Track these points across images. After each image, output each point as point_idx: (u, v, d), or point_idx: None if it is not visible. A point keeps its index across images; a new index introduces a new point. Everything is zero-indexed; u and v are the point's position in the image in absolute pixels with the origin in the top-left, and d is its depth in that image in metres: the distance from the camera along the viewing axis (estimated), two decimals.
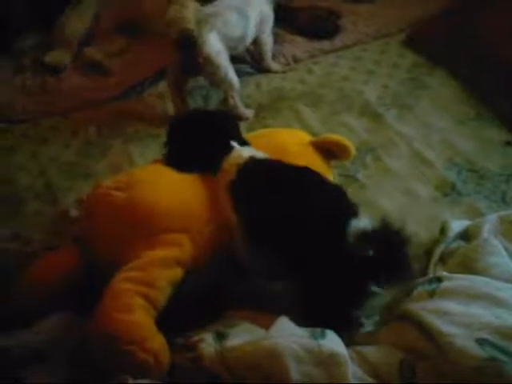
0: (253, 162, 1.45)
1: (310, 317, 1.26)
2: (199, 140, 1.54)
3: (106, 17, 2.60)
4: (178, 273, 1.33)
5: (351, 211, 1.33)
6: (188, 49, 1.98)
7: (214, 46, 2.04)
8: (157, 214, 1.38)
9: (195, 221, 1.40)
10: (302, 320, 1.25)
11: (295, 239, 1.31)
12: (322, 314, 1.26)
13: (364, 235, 1.26)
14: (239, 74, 2.23)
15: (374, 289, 1.34)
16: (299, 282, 1.31)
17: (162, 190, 1.44)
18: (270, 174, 1.42)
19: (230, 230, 1.40)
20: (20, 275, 1.45)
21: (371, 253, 1.24)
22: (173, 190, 1.45)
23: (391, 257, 1.26)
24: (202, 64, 2.03)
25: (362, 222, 1.28)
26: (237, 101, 2.14)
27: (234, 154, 1.48)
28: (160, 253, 1.33)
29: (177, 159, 1.55)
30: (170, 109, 2.22)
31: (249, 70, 2.44)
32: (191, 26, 1.94)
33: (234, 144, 1.52)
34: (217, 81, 2.11)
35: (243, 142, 1.57)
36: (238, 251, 1.41)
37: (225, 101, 2.17)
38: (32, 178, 1.97)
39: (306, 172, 1.44)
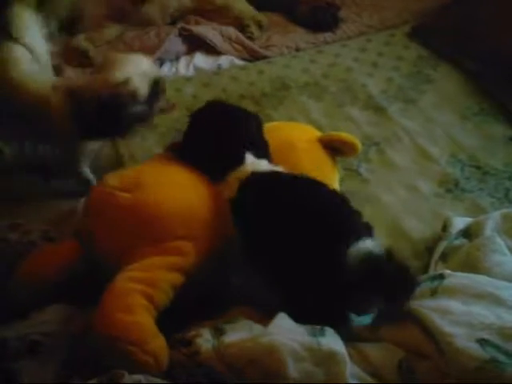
0: (254, 178, 1.39)
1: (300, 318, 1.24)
2: (212, 148, 1.48)
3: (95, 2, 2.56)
4: (180, 279, 1.32)
5: (351, 228, 1.27)
6: None
7: None
8: (161, 218, 1.36)
9: (200, 226, 1.38)
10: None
11: (291, 258, 1.28)
12: (311, 315, 1.24)
13: (364, 260, 1.21)
14: None
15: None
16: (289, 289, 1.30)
17: (168, 194, 1.41)
18: (269, 193, 1.37)
19: (231, 239, 1.38)
20: (18, 266, 1.44)
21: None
22: (179, 194, 1.42)
23: (387, 289, 1.22)
24: None
25: (366, 244, 1.23)
26: None
27: (240, 168, 1.42)
28: (164, 259, 1.32)
29: (188, 158, 1.50)
30: None
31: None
32: None
33: (247, 156, 1.44)
34: None
35: (263, 143, 1.52)
36: (237, 262, 1.40)
37: None
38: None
39: (306, 187, 1.37)
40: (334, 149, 1.65)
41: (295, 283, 1.27)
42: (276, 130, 1.71)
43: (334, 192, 1.41)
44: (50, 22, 2.35)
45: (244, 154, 1.44)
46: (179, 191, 1.42)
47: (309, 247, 1.26)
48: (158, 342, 1.21)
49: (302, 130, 1.74)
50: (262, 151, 1.48)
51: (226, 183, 1.41)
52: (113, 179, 1.44)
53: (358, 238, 1.23)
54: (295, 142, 1.61)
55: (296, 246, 1.28)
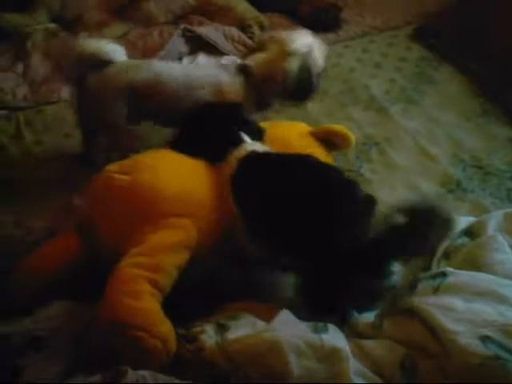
0: (253, 156, 1.44)
1: (306, 303, 1.26)
2: (210, 131, 1.53)
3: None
4: (184, 257, 1.33)
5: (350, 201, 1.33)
6: None
7: None
8: (161, 197, 1.38)
9: (200, 207, 1.40)
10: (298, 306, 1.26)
11: (291, 232, 1.31)
12: (318, 302, 1.27)
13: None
14: None
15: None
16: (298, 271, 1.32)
17: (167, 175, 1.43)
18: (268, 169, 1.42)
19: (233, 219, 1.40)
20: (21, 263, 1.44)
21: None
22: (178, 175, 1.44)
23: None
24: None
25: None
26: None
27: (239, 148, 1.47)
28: (166, 237, 1.33)
29: (187, 148, 1.53)
30: None
31: None
32: None
33: (244, 137, 1.51)
34: None
35: (256, 132, 1.57)
36: (240, 240, 1.41)
37: None
38: (36, 165, 1.96)
39: (303, 163, 1.42)
40: (328, 143, 1.67)
41: (295, 257, 1.30)
42: (269, 129, 1.73)
43: (335, 168, 1.47)
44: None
45: (240, 134, 1.50)
46: (176, 172, 1.45)
47: (306, 220, 1.29)
48: (165, 327, 1.22)
49: (293, 126, 1.77)
50: (257, 135, 1.55)
51: (227, 162, 1.45)
52: (112, 166, 1.47)
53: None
54: (289, 138, 1.65)
55: (293, 219, 1.30)
